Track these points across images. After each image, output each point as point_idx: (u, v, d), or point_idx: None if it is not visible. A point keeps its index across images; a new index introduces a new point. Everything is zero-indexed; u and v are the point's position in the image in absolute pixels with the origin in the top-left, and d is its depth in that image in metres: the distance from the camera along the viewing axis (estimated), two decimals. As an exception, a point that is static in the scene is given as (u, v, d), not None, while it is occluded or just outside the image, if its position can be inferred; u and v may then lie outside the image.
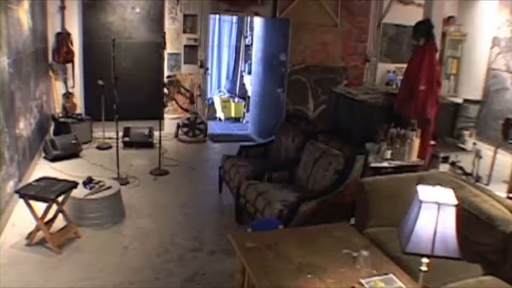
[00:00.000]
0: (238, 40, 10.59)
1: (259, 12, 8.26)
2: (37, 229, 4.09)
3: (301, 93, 8.51)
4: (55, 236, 4.10)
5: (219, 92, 10.45)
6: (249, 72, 9.89)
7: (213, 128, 9.07)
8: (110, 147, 6.91)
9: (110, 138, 7.15)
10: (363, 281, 2.70)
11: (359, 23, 8.77)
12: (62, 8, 7.16)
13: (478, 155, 6.11)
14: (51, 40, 7.14)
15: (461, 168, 6.25)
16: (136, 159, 6.68)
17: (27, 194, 4.05)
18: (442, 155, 5.60)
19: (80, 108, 7.37)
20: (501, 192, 5.40)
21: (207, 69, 8.35)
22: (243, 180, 4.70)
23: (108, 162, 6.40)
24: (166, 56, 7.88)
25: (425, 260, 2.43)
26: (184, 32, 7.92)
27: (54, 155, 6.23)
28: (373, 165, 4.75)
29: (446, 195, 2.45)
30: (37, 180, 4.28)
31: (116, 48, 6.89)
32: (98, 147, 6.91)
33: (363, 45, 8.91)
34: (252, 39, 9.64)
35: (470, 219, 3.20)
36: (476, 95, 8.27)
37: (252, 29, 9.77)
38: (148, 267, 3.90)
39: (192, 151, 7.39)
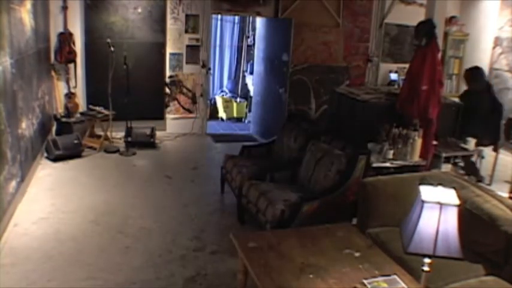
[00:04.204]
0: (240, 40, 10.60)
1: (261, 12, 8.26)
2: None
3: (303, 93, 8.51)
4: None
5: (221, 92, 10.45)
6: (251, 72, 9.90)
7: (215, 128, 9.08)
8: (118, 150, 6.90)
9: (113, 138, 7.18)
10: (365, 281, 2.70)
11: (361, 23, 8.77)
12: (64, 8, 7.17)
13: (480, 155, 6.10)
14: (53, 40, 7.15)
15: (463, 168, 6.24)
16: (138, 160, 6.69)
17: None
18: (444, 155, 5.60)
19: (82, 108, 7.38)
20: (503, 192, 5.39)
21: (209, 69, 8.36)
22: (245, 181, 4.70)
23: (110, 164, 6.43)
24: (168, 56, 7.90)
25: (427, 260, 2.43)
26: (186, 32, 7.92)
27: (56, 155, 6.24)
28: (375, 165, 4.75)
29: (448, 195, 2.45)
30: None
31: (118, 48, 6.93)
32: (106, 151, 6.86)
33: (365, 45, 8.91)
34: (254, 39, 9.64)
35: (472, 219, 3.19)
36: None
37: (254, 29, 9.77)
38: (150, 267, 3.90)
39: (194, 151, 7.40)
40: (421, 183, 2.88)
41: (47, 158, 6.32)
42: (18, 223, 4.47)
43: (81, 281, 3.62)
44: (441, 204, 2.36)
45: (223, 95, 10.23)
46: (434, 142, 5.28)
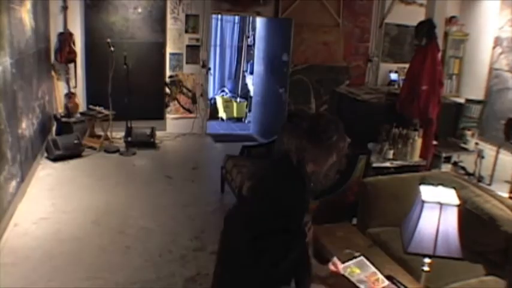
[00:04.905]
0: (240, 40, 10.59)
1: (261, 12, 8.26)
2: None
3: (303, 93, 8.51)
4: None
5: (221, 92, 10.45)
6: (251, 72, 9.89)
7: (215, 128, 9.08)
8: (118, 150, 6.89)
9: (113, 138, 7.18)
10: (339, 265, 2.61)
11: (361, 23, 8.77)
12: (64, 8, 7.17)
13: (480, 155, 6.10)
14: (53, 40, 7.15)
15: (463, 168, 6.25)
16: (138, 160, 6.69)
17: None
18: (444, 155, 5.60)
19: (82, 108, 7.38)
20: (503, 192, 5.39)
21: (209, 69, 8.36)
22: (245, 180, 4.69)
23: (110, 164, 6.44)
24: (168, 56, 7.90)
25: (427, 260, 2.43)
26: (187, 32, 7.92)
27: (57, 155, 6.24)
28: (375, 165, 4.74)
29: (449, 195, 2.45)
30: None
31: (118, 48, 6.93)
32: (106, 151, 6.85)
33: (365, 45, 8.91)
34: (254, 39, 9.64)
35: (472, 219, 3.19)
36: (479, 95, 8.26)
37: (254, 29, 9.77)
38: (150, 267, 3.90)
39: (194, 151, 7.40)
40: (421, 183, 2.88)
41: (47, 158, 6.32)
42: (18, 223, 4.47)
43: (82, 281, 3.62)
44: (441, 204, 2.36)
45: (223, 95, 10.23)
46: (434, 142, 5.28)
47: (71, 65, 7.32)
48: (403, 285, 2.70)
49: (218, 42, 10.33)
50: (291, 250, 1.98)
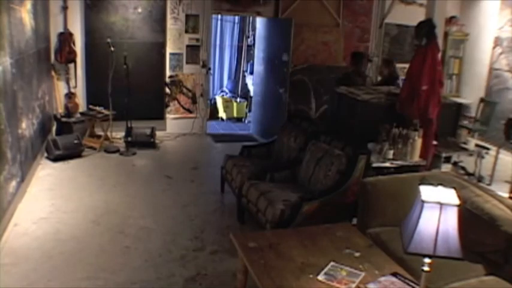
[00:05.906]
0: (240, 40, 10.60)
1: (261, 12, 8.27)
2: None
3: (303, 93, 8.51)
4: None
5: (221, 92, 10.45)
6: (251, 72, 9.90)
7: (215, 128, 9.08)
8: (118, 150, 6.89)
9: (113, 138, 7.18)
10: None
11: (361, 23, 8.77)
12: (65, 8, 7.17)
13: (480, 155, 6.10)
14: (53, 40, 7.15)
15: (463, 168, 6.25)
16: (138, 160, 6.69)
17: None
18: (444, 155, 5.60)
19: (82, 108, 7.38)
20: (503, 192, 5.40)
21: (209, 69, 8.36)
22: (245, 180, 4.70)
23: (110, 164, 6.44)
24: (168, 56, 7.90)
25: (427, 260, 2.43)
26: (187, 32, 7.92)
27: (57, 154, 6.24)
28: (375, 165, 4.74)
29: (449, 195, 2.44)
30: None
31: (118, 48, 6.93)
32: (106, 151, 6.85)
33: (365, 45, 8.91)
34: (254, 39, 9.64)
35: (472, 219, 3.19)
36: (479, 95, 8.26)
37: (254, 29, 9.78)
38: (150, 267, 3.90)
39: (194, 151, 7.40)
40: (421, 183, 2.88)
41: (47, 158, 6.32)
42: (18, 223, 4.47)
43: (82, 281, 3.62)
44: (441, 204, 2.36)
45: (223, 95, 10.23)
46: (434, 142, 5.28)
47: (71, 65, 7.33)
48: (409, 280, 2.72)
49: (218, 42, 10.34)
50: None
